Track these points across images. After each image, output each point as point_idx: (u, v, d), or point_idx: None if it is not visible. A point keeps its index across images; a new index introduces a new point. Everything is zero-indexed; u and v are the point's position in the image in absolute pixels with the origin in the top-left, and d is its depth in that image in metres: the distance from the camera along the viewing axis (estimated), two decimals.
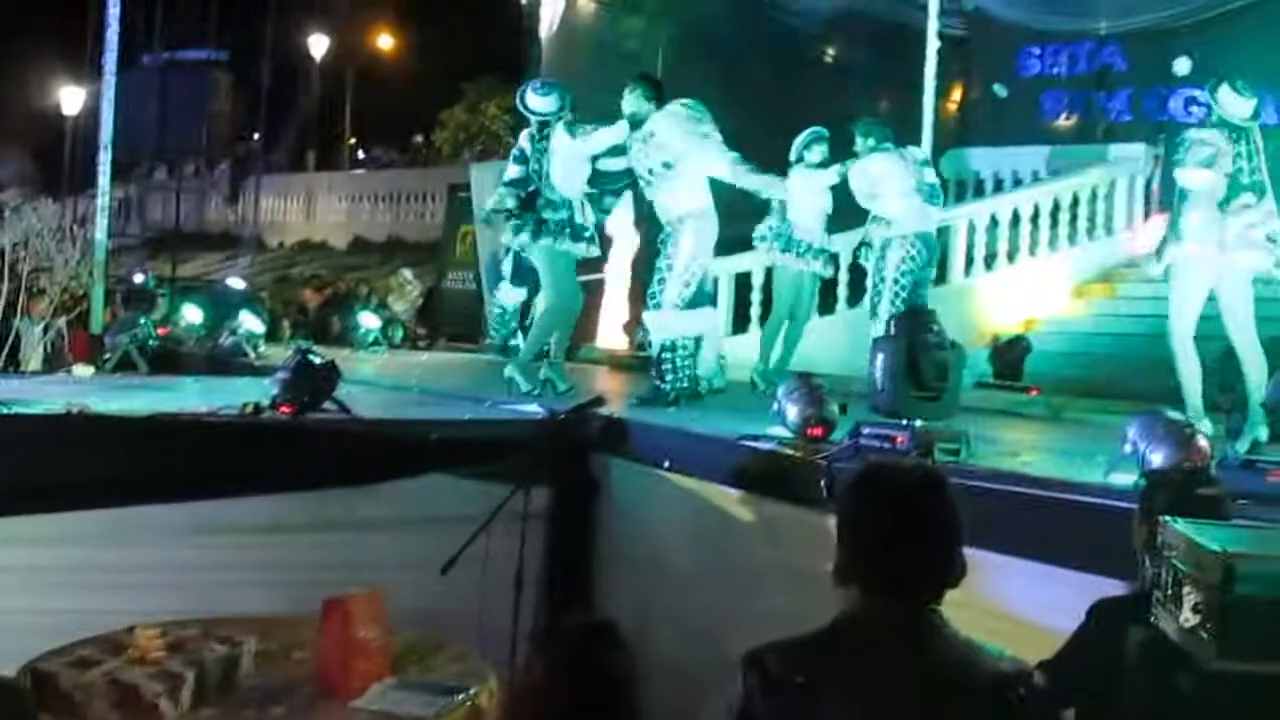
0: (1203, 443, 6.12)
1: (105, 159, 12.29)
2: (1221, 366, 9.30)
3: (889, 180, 10.46)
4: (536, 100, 10.28)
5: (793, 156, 11.67)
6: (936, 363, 7.28)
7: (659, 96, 9.70)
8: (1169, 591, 3.10)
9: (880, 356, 7.34)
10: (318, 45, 41.01)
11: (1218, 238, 8.50)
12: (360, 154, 45.22)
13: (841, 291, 15.14)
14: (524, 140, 10.42)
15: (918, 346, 7.32)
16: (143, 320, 13.92)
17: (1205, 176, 8.57)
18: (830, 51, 22.72)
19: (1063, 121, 20.42)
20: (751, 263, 15.18)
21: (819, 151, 11.64)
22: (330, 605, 5.07)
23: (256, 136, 38.86)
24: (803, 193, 11.56)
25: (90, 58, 27.50)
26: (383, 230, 34.78)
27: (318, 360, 8.12)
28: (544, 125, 10.18)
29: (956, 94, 21.28)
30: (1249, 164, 8.57)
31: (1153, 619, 3.20)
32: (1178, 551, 3.10)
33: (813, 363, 10.85)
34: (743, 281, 15.71)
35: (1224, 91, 8.67)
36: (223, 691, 4.93)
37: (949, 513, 2.90)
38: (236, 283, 17.38)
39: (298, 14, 39.25)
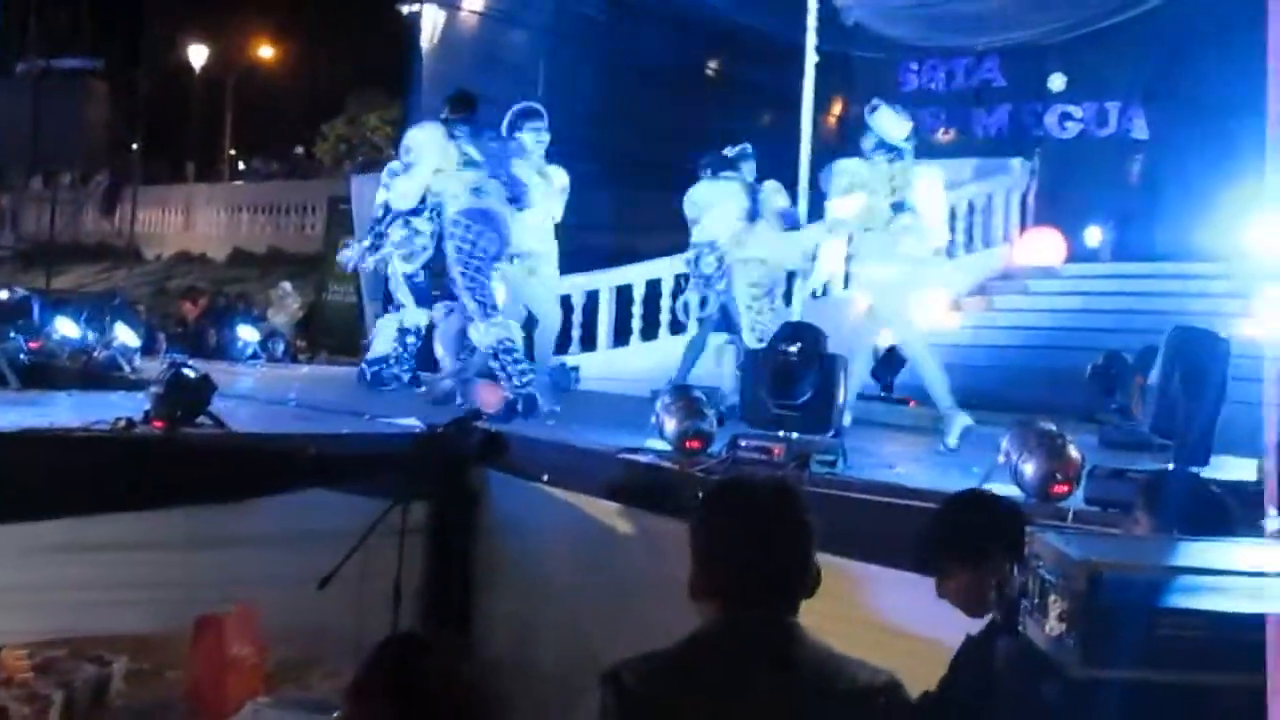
0: (1074, 453, 6.21)
1: None
2: (1102, 375, 9.47)
3: (716, 205, 10.58)
4: None
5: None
6: (796, 376, 7.36)
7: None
8: (1036, 600, 3.14)
9: (744, 370, 7.44)
10: (197, 55, 40.56)
11: (891, 260, 9.01)
12: (240, 165, 44.73)
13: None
14: None
15: (777, 360, 7.41)
16: (13, 334, 13.64)
17: (851, 204, 8.92)
18: (713, 66, 22.85)
19: (941, 136, 20.65)
20: (630, 276, 15.30)
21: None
22: (203, 622, 5.02)
23: (135, 147, 38.29)
24: None
25: None
26: (262, 242, 34.43)
27: (192, 374, 7.99)
28: None
29: (838, 109, 21.45)
30: (905, 186, 8.94)
31: (1020, 629, 3.24)
32: (1044, 560, 3.14)
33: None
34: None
35: (883, 113, 9.03)
36: (94, 712, 4.86)
37: (799, 523, 2.91)
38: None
39: (176, 23, 38.78)
